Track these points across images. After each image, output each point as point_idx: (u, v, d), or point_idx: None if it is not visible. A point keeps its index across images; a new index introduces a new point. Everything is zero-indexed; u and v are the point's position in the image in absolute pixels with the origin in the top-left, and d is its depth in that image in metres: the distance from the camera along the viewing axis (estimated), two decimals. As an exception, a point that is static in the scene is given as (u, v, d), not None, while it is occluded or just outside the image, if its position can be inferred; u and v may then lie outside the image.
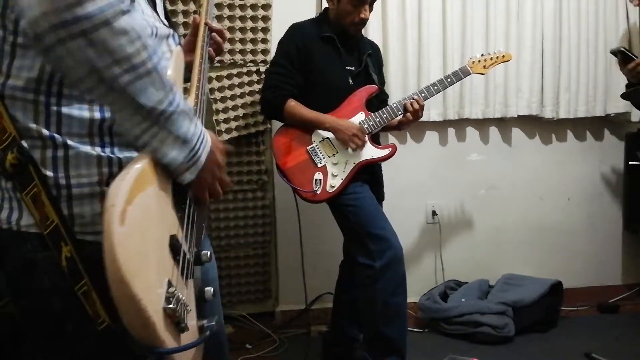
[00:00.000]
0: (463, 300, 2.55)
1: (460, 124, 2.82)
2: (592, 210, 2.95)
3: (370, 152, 2.04)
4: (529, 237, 2.90)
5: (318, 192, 1.98)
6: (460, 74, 2.13)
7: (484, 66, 2.18)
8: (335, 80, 2.05)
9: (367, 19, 2.04)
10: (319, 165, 2.01)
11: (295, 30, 2.08)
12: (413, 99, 2.06)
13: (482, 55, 2.20)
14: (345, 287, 2.25)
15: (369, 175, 2.09)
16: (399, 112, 2.08)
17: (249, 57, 2.51)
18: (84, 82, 0.65)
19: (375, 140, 2.12)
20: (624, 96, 2.27)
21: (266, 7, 2.49)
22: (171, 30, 0.74)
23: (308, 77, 2.03)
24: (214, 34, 1.16)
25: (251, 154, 2.57)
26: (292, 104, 2.00)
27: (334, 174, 2.00)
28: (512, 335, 2.42)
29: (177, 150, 0.74)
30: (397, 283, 1.95)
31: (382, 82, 2.25)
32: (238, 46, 2.48)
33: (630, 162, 2.78)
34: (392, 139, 2.77)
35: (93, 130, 0.75)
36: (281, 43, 2.09)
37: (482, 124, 2.85)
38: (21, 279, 0.75)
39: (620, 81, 2.79)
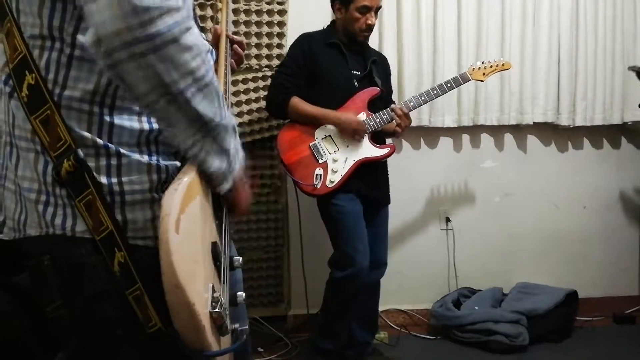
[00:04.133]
0: (476, 308, 2.53)
1: (475, 130, 2.81)
2: (608, 219, 2.91)
3: (369, 150, 2.14)
4: (543, 246, 2.87)
5: (318, 186, 2.08)
6: (460, 80, 2.20)
7: (484, 73, 2.25)
8: (341, 83, 2.16)
9: (374, 25, 2.16)
10: (321, 161, 2.10)
11: (303, 38, 2.22)
12: (395, 109, 2.14)
13: (482, 62, 2.27)
14: None
15: (367, 179, 2.14)
16: (393, 120, 2.16)
17: (264, 62, 2.53)
18: (148, 96, 0.69)
19: (377, 141, 2.18)
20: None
21: (282, 12, 2.51)
22: (211, 46, 0.77)
23: (314, 80, 2.14)
24: (235, 45, 1.20)
25: (265, 158, 2.59)
26: (296, 100, 2.11)
27: (334, 170, 2.10)
28: (526, 344, 2.39)
29: (220, 161, 0.78)
30: (347, 295, 2.10)
31: (388, 90, 2.34)
32: (254, 51, 2.50)
33: (648, 171, 2.74)
34: (405, 144, 2.77)
35: (141, 140, 0.78)
36: (290, 48, 2.23)
37: (497, 131, 2.83)
38: (73, 282, 0.77)
39: (638, 87, 2.77)
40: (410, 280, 2.75)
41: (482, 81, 2.30)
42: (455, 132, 2.79)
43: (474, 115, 2.73)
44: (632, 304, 2.85)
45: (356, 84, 2.17)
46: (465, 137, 2.83)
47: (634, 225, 2.91)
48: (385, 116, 2.15)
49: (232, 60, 1.20)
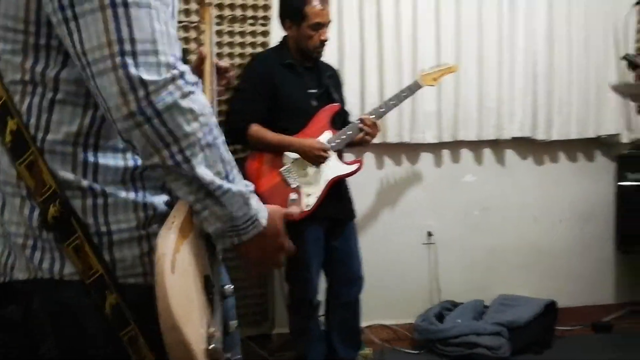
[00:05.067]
0: (459, 321, 2.58)
1: (455, 145, 2.86)
2: (585, 230, 2.99)
3: (339, 168, 2.18)
4: (523, 258, 2.94)
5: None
6: (413, 87, 2.28)
7: (434, 78, 2.31)
8: (300, 104, 2.16)
9: (327, 40, 2.15)
10: (293, 185, 2.12)
11: (258, 59, 2.22)
12: (364, 120, 2.18)
13: (430, 67, 2.33)
14: (328, 305, 2.32)
15: (332, 198, 2.15)
16: (360, 132, 2.19)
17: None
18: (149, 159, 0.71)
19: (340, 157, 2.23)
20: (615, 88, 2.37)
21: (265, 33, 2.54)
22: (199, 80, 0.79)
23: (274, 103, 2.13)
24: (224, 72, 1.21)
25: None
26: (255, 129, 2.09)
27: (308, 193, 2.11)
28: (507, 356, 2.44)
29: (221, 223, 0.76)
30: (303, 315, 2.22)
31: (343, 102, 2.35)
32: (237, 72, 2.52)
33: (620, 184, 2.83)
34: (387, 160, 2.82)
35: (126, 177, 0.78)
36: (244, 71, 2.21)
37: (476, 146, 2.89)
38: (65, 326, 0.77)
39: (611, 103, 2.87)
40: (393, 295, 2.78)
41: (433, 86, 2.35)
42: (435, 148, 2.85)
43: (454, 131, 2.79)
44: (609, 312, 2.94)
45: (314, 102, 2.17)
46: (446, 153, 2.89)
47: (609, 236, 2.99)
48: (349, 132, 2.17)
49: (222, 87, 1.22)
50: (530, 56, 2.82)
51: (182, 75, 0.70)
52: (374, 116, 2.23)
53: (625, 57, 2.15)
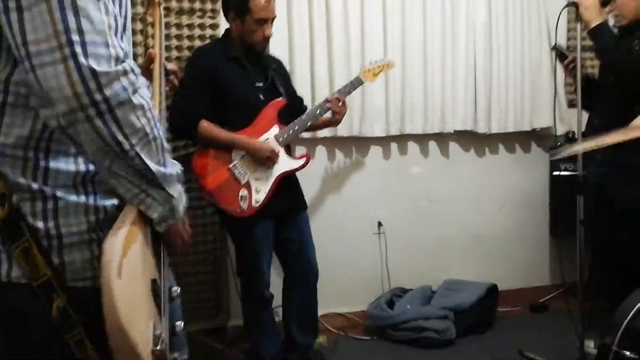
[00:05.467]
0: (408, 307, 2.69)
1: (402, 139, 2.97)
2: (522, 217, 3.18)
3: (287, 164, 2.19)
4: (466, 244, 3.09)
5: (245, 208, 2.07)
6: (355, 83, 2.32)
7: (374, 74, 2.38)
8: (247, 98, 2.15)
9: (271, 35, 2.15)
10: (242, 182, 2.11)
11: (202, 53, 2.18)
12: (331, 99, 2.23)
13: (369, 63, 2.40)
14: (285, 294, 2.36)
15: (280, 192, 2.17)
16: (308, 123, 2.23)
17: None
18: (98, 153, 0.71)
19: (288, 151, 2.25)
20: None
21: (214, 26, 2.52)
22: (148, 82, 0.79)
23: (219, 97, 2.10)
24: (171, 76, 1.21)
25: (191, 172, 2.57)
26: (205, 125, 2.07)
27: (257, 190, 2.11)
28: (453, 338, 2.57)
29: (163, 207, 0.80)
30: (257, 307, 2.24)
31: (291, 92, 2.37)
32: (185, 43, 2.47)
33: (554, 173, 3.03)
34: (338, 153, 2.88)
35: (77, 181, 0.78)
36: (188, 66, 2.16)
37: (422, 139, 3.01)
38: (11, 330, 0.76)
39: (544, 98, 3.07)
40: (346, 284, 2.86)
41: (373, 81, 2.42)
42: (384, 141, 2.94)
43: (401, 125, 2.90)
44: (545, 293, 3.13)
45: (261, 96, 2.17)
46: (394, 146, 2.99)
47: (544, 222, 3.20)
48: (296, 127, 2.20)
49: (167, 89, 1.22)
50: (471, 53, 2.97)
51: (132, 69, 0.71)
52: (343, 94, 2.28)
53: (555, 48, 2.26)
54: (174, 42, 2.46)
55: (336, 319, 2.85)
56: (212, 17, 2.51)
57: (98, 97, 0.67)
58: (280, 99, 2.21)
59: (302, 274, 2.31)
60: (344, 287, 2.85)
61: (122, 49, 0.71)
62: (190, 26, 2.48)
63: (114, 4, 0.74)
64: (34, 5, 0.65)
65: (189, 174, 2.50)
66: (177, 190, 0.83)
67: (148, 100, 0.75)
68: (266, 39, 2.15)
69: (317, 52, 2.70)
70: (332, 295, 2.75)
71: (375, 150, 2.96)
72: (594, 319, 2.13)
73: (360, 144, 2.90)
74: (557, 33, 2.19)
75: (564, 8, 2.11)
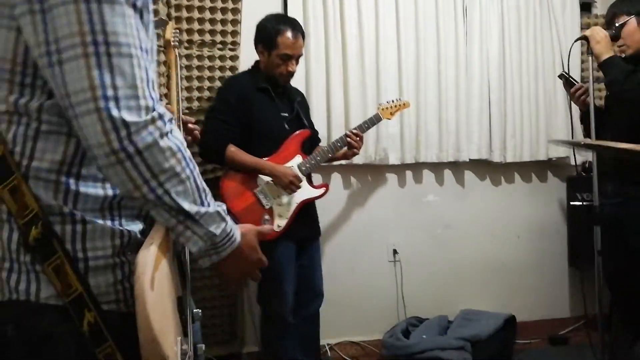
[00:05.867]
0: (424, 336, 2.65)
1: (417, 167, 3.00)
2: (540, 247, 3.15)
3: (308, 192, 2.29)
4: (483, 274, 3.06)
5: None
6: (374, 120, 2.45)
7: (391, 112, 2.51)
8: (273, 126, 2.26)
9: (294, 72, 2.27)
10: (266, 206, 2.20)
11: (233, 82, 2.31)
12: (349, 134, 2.33)
13: (387, 102, 2.52)
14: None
15: (301, 218, 2.25)
16: (329, 155, 2.35)
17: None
18: (134, 192, 0.76)
19: (309, 180, 2.34)
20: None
21: (234, 58, 2.62)
22: (172, 115, 0.84)
23: (247, 124, 2.22)
24: (188, 128, 1.25)
25: (214, 197, 2.62)
26: (232, 150, 2.18)
27: (280, 215, 2.20)
28: (470, 369, 2.52)
29: (203, 242, 0.83)
30: (279, 332, 2.26)
31: (311, 124, 2.49)
32: (206, 94, 2.58)
33: (571, 203, 3.01)
34: (353, 181, 2.91)
35: (104, 205, 0.82)
36: (220, 93, 2.30)
37: (437, 167, 3.04)
38: (38, 351, 0.78)
39: (560, 127, 3.07)
40: (361, 312, 2.84)
41: (389, 119, 2.56)
42: (399, 169, 2.97)
43: (416, 153, 2.93)
44: (565, 325, 3.07)
45: (286, 126, 2.28)
46: (409, 174, 3.01)
47: (563, 252, 3.15)
48: (318, 157, 2.30)
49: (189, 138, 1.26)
50: (485, 84, 3.02)
51: (160, 116, 0.76)
52: (357, 130, 2.37)
53: (562, 75, 2.29)
54: (196, 73, 2.55)
55: (351, 348, 2.82)
56: (232, 49, 2.61)
57: (127, 142, 0.73)
58: (304, 129, 2.33)
59: (308, 299, 2.35)
60: (359, 315, 2.84)
61: (152, 99, 0.76)
62: (211, 57, 2.58)
63: (147, 37, 0.80)
64: (73, 59, 0.72)
65: (216, 198, 2.59)
66: (222, 229, 0.85)
67: (178, 143, 0.79)
68: (289, 74, 2.27)
69: (332, 89, 2.79)
70: (346, 323, 2.73)
71: (391, 178, 2.98)
72: (616, 353, 2.07)
73: (375, 171, 2.93)
74: (569, 65, 2.22)
75: (575, 41, 2.15)
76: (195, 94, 2.55)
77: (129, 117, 0.73)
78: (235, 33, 2.60)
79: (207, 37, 2.56)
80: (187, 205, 0.79)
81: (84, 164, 0.80)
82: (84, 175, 0.80)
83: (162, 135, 0.76)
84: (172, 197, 0.78)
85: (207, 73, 2.58)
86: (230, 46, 2.61)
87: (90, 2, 0.72)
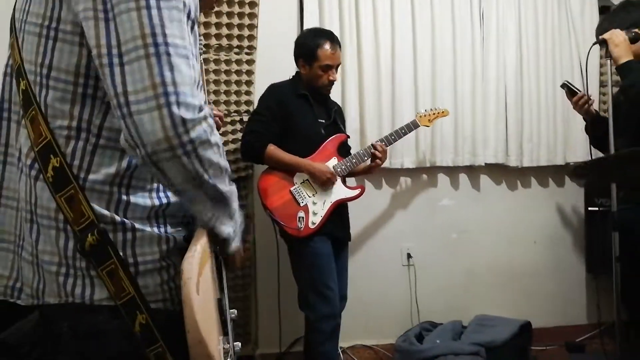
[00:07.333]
0: (438, 341, 2.63)
1: (432, 171, 2.99)
2: (556, 253, 3.11)
3: (343, 192, 2.36)
4: (498, 279, 3.04)
5: (302, 228, 2.21)
6: (412, 126, 2.52)
7: (429, 120, 2.57)
8: (310, 131, 2.34)
9: (335, 80, 2.37)
10: (302, 204, 2.26)
11: (275, 88, 2.38)
12: (375, 146, 2.38)
13: (425, 110, 2.59)
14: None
15: (335, 219, 2.31)
16: (366, 158, 2.41)
17: (233, 107, 2.64)
18: (182, 185, 0.81)
19: (344, 183, 2.39)
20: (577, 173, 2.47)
21: (250, 62, 2.65)
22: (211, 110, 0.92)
23: (287, 128, 2.30)
24: (216, 118, 1.31)
25: (246, 194, 2.67)
26: (272, 148, 2.26)
27: (314, 212, 2.26)
28: (484, 375, 2.50)
29: (230, 227, 0.91)
30: (327, 335, 2.20)
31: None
32: (222, 97, 2.62)
33: (589, 208, 2.97)
34: (368, 184, 2.92)
35: (151, 214, 0.88)
36: (262, 98, 2.38)
37: (452, 171, 3.02)
38: (91, 348, 0.83)
39: (578, 131, 3.04)
40: (374, 316, 2.84)
41: (428, 126, 2.61)
42: (414, 173, 2.97)
43: (431, 157, 2.92)
44: (582, 332, 3.03)
45: (323, 131, 2.36)
46: (424, 177, 3.01)
47: (580, 258, 3.12)
48: (354, 160, 2.37)
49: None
50: (502, 88, 3.00)
51: (210, 115, 0.82)
52: (387, 142, 2.43)
53: (564, 85, 2.27)
54: (212, 77, 2.59)
55: (364, 352, 2.82)
56: (248, 54, 2.64)
57: (186, 139, 0.78)
58: (341, 134, 2.41)
59: None
60: (372, 319, 2.84)
61: (200, 99, 0.82)
62: (227, 62, 2.62)
63: (195, 46, 0.86)
64: (135, 60, 0.76)
65: (242, 199, 2.64)
66: (237, 211, 0.93)
67: (219, 138, 0.86)
68: (331, 83, 2.37)
69: (366, 99, 2.84)
70: (360, 327, 2.73)
71: (406, 182, 2.98)
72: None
73: (390, 175, 2.93)
74: (587, 68, 2.20)
75: (593, 45, 2.13)
76: (212, 97, 2.59)
77: (186, 114, 0.77)
78: (251, 37, 2.63)
79: (224, 42, 2.59)
80: (226, 190, 0.87)
81: (134, 177, 0.86)
82: (134, 186, 0.86)
83: (211, 133, 0.81)
84: (217, 186, 0.85)
85: (223, 77, 2.62)
86: (247, 50, 2.64)
87: (151, 8, 0.77)
